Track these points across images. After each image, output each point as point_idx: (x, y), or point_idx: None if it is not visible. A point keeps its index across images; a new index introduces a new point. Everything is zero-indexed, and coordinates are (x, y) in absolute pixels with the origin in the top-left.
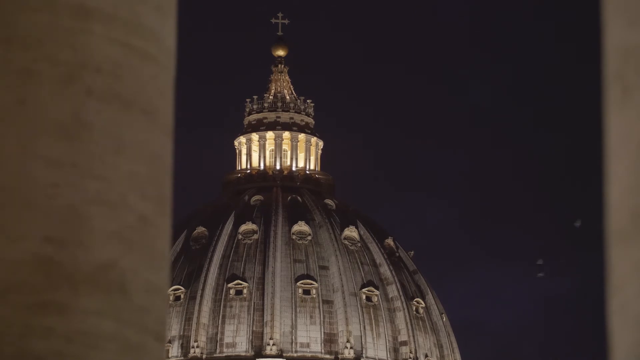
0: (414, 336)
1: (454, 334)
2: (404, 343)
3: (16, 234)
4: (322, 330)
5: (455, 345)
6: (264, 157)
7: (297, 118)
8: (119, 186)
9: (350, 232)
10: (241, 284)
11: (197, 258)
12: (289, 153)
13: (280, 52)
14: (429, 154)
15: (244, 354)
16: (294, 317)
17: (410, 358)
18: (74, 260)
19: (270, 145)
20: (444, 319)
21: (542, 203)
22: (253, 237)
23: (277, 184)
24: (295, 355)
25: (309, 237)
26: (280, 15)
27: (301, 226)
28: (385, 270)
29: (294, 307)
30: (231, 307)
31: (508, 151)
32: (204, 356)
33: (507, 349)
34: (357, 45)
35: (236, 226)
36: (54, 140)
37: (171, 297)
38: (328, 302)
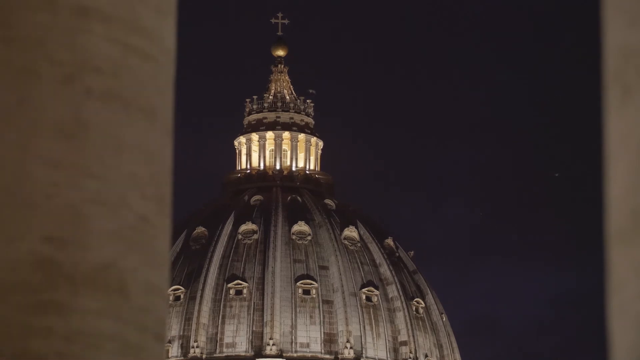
0: (413, 336)
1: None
2: (404, 343)
3: (16, 234)
4: (322, 330)
5: (455, 345)
6: (264, 157)
7: (297, 118)
8: (119, 186)
9: (350, 232)
10: (241, 284)
11: (197, 258)
12: (288, 153)
13: (280, 52)
14: (429, 153)
15: (243, 354)
16: (293, 317)
17: (410, 358)
18: (73, 260)
19: (270, 145)
20: (444, 319)
21: (546, 202)
22: (253, 237)
23: (277, 184)
24: (295, 355)
25: (309, 237)
26: (280, 15)
27: (301, 226)
28: (385, 270)
29: (293, 307)
30: (231, 307)
31: (509, 150)
32: (204, 356)
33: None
34: (357, 45)
35: (236, 226)
36: (53, 140)
37: (171, 297)
38: (328, 302)
